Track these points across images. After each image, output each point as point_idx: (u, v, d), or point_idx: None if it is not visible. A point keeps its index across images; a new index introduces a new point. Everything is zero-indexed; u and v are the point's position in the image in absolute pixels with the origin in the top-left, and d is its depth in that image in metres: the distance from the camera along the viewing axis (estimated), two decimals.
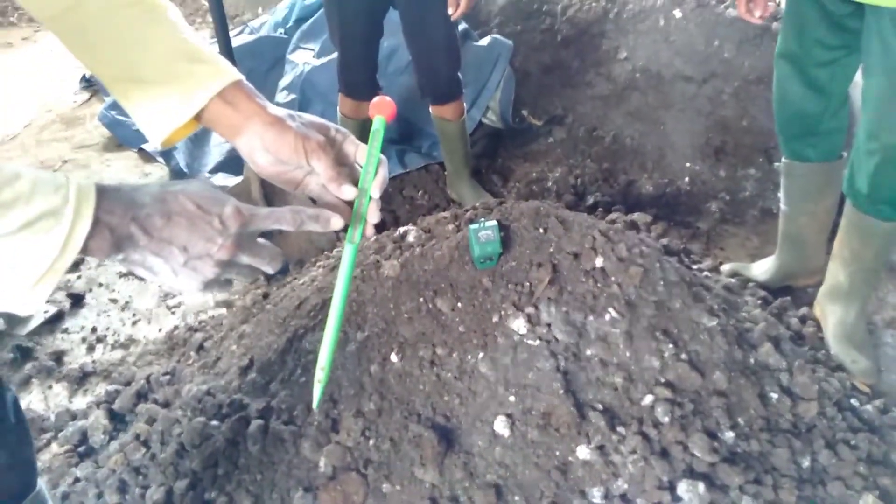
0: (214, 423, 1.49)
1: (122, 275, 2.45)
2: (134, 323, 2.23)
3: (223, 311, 2.20)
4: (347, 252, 0.81)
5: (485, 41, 3.04)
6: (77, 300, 2.33)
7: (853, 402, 1.66)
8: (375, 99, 0.86)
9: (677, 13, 2.91)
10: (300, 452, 1.37)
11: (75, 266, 2.49)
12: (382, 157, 0.83)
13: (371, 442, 1.34)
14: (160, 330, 2.19)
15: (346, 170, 0.82)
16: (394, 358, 1.42)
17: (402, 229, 1.70)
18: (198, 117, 0.80)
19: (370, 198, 0.80)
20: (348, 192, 0.78)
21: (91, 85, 4.08)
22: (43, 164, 3.25)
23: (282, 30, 3.68)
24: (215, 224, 0.67)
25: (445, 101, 2.43)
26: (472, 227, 1.48)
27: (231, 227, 0.68)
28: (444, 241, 1.55)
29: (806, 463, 1.43)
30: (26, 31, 5.25)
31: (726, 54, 2.87)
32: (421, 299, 1.47)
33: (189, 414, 1.55)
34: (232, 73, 0.80)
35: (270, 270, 0.76)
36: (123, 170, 3.23)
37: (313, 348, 1.50)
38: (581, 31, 3.12)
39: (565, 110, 3.03)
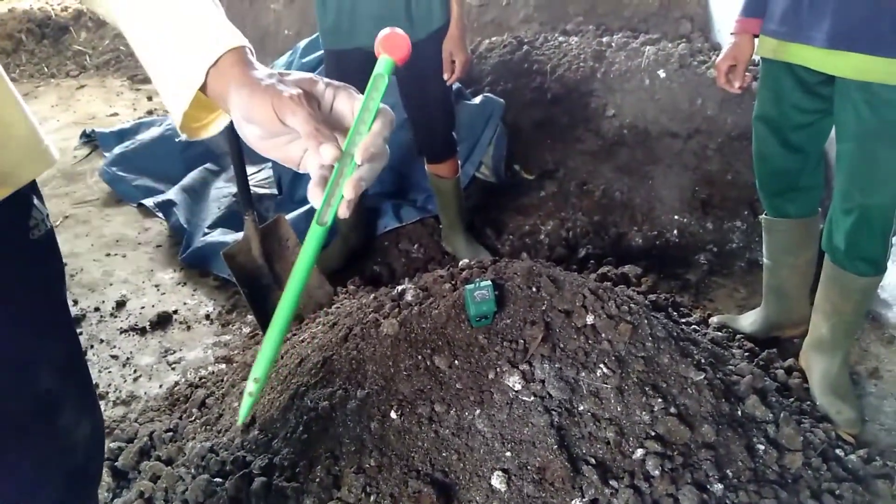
0: (218, 480, 1.53)
1: (122, 331, 2.50)
2: (135, 379, 2.27)
3: (223, 366, 2.24)
4: (313, 235, 0.64)
5: (477, 99, 3.16)
6: None
7: (838, 452, 1.71)
8: (384, 31, 0.66)
9: (661, 73, 3.05)
10: None
11: (76, 323, 2.54)
12: (385, 108, 0.66)
13: (372, 498, 1.38)
14: (161, 386, 2.22)
15: (331, 128, 0.66)
16: (393, 415, 1.47)
17: (399, 288, 1.76)
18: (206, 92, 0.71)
19: (355, 165, 0.64)
20: (327, 152, 0.62)
21: (91, 140, 4.19)
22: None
23: None
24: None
25: (441, 159, 2.53)
26: (468, 286, 1.55)
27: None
28: (441, 300, 1.61)
29: None
30: (27, 87, 5.38)
31: (709, 112, 3.00)
32: (419, 357, 1.53)
33: (193, 471, 1.58)
34: (230, 40, 0.69)
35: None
36: (122, 225, 3.30)
37: (315, 405, 1.55)
38: (570, 90, 3.26)
39: (556, 165, 3.14)
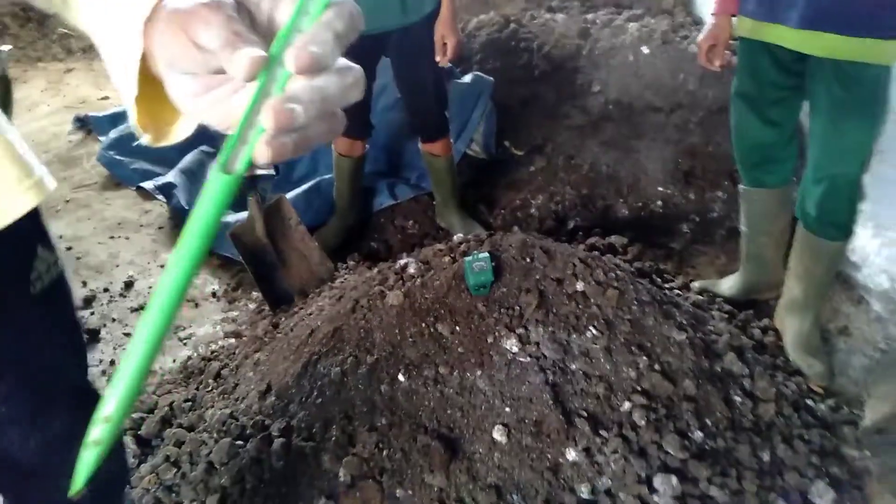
0: (239, 443, 1.65)
1: (133, 310, 2.61)
2: None
3: (233, 340, 2.36)
4: (217, 188, 0.43)
5: (467, 78, 3.25)
6: (93, 335, 2.47)
7: (808, 402, 1.86)
8: None
9: (645, 50, 3.15)
10: (321, 465, 1.53)
11: (87, 303, 2.64)
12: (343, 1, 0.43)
13: (384, 453, 1.51)
14: (174, 360, 2.34)
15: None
16: (401, 378, 1.60)
17: (401, 262, 1.88)
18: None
19: (286, 77, 0.42)
20: (241, 59, 0.41)
21: (84, 125, 4.24)
22: (45, 204, 3.39)
23: None
24: None
25: (434, 139, 2.63)
26: (467, 258, 1.67)
27: None
28: (442, 272, 1.73)
29: (766, 457, 1.63)
30: (15, 72, 5.39)
31: (691, 87, 3.11)
32: (423, 325, 1.65)
33: (215, 436, 1.71)
34: None
35: None
36: (123, 208, 3.38)
37: (328, 371, 1.67)
38: (557, 67, 3.35)
39: (544, 140, 3.24)
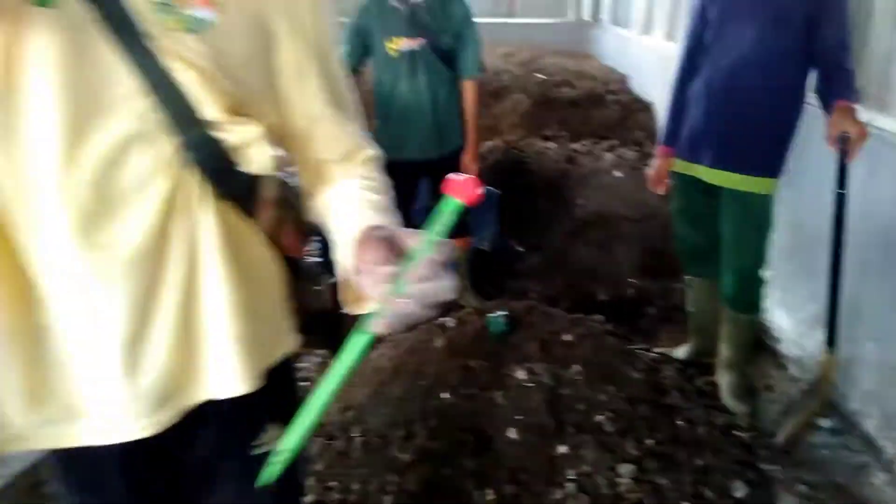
0: (328, 442, 2.33)
1: None
2: None
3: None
4: (359, 340, 0.67)
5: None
6: None
7: (734, 431, 2.57)
8: (452, 176, 0.66)
9: (617, 173, 4.05)
10: (388, 454, 2.22)
11: None
12: (442, 241, 0.65)
13: (435, 445, 2.21)
14: None
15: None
16: (447, 395, 2.31)
17: (441, 319, 2.64)
18: None
19: (403, 286, 0.64)
20: (379, 273, 0.66)
21: None
22: None
23: None
24: None
25: (456, 237, 3.45)
26: (490, 315, 2.43)
27: None
28: (472, 325, 2.49)
29: (699, 462, 2.32)
30: None
31: (654, 201, 3.99)
32: (460, 360, 2.39)
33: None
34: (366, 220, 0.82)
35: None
36: None
37: (392, 392, 2.38)
38: (549, 184, 4.24)
39: (540, 240, 4.08)
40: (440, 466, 2.17)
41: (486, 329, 2.45)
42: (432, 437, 2.23)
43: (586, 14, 6.87)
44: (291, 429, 0.68)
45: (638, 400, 2.40)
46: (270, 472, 0.69)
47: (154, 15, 0.76)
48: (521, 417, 2.27)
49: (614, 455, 2.20)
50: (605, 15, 6.88)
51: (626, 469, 2.17)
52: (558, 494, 2.09)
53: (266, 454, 0.81)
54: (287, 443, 0.68)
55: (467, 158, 3.23)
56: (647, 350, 3.07)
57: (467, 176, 0.66)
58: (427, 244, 0.65)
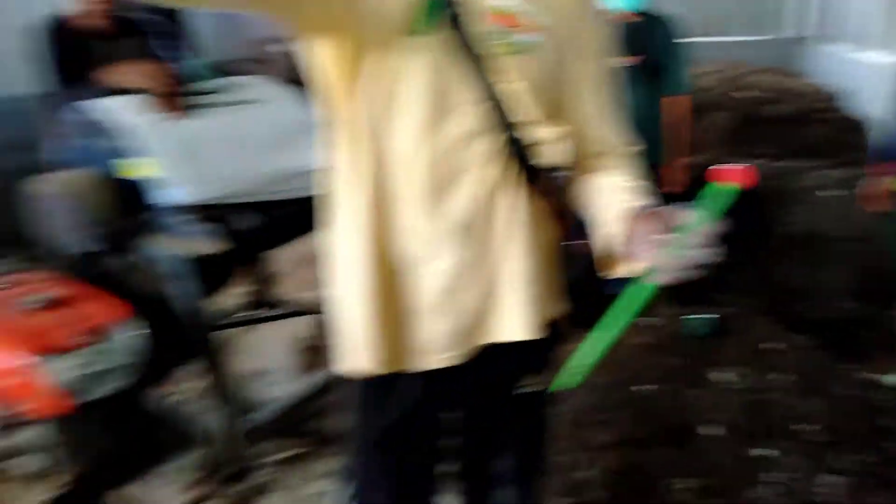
0: None
1: None
2: None
3: None
4: (640, 290, 0.88)
5: None
6: None
7: None
8: (720, 166, 0.82)
9: (826, 192, 3.91)
10: None
11: None
12: (707, 224, 0.84)
13: (636, 429, 2.38)
14: None
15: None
16: (647, 388, 2.48)
17: (645, 319, 2.80)
18: None
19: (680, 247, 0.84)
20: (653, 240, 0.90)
21: None
22: None
23: None
24: None
25: None
26: (690, 317, 2.55)
27: None
28: (674, 326, 2.63)
29: None
30: None
31: (867, 222, 3.78)
32: (662, 357, 2.54)
33: None
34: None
35: None
36: None
37: None
38: (755, 200, 4.18)
39: (745, 256, 4.04)
40: (639, 451, 2.34)
41: (690, 330, 2.58)
42: (634, 423, 2.41)
43: (792, 31, 6.60)
44: (583, 354, 0.90)
45: (848, 416, 2.38)
46: (569, 379, 0.93)
47: (490, 41, 1.00)
48: (720, 416, 2.36)
49: (818, 464, 2.22)
50: (812, 31, 6.56)
51: (830, 479, 2.18)
52: (753, 494, 2.17)
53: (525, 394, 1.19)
54: (582, 359, 0.90)
55: (674, 171, 3.35)
56: (859, 371, 2.98)
57: (739, 166, 0.82)
58: (698, 220, 0.84)
